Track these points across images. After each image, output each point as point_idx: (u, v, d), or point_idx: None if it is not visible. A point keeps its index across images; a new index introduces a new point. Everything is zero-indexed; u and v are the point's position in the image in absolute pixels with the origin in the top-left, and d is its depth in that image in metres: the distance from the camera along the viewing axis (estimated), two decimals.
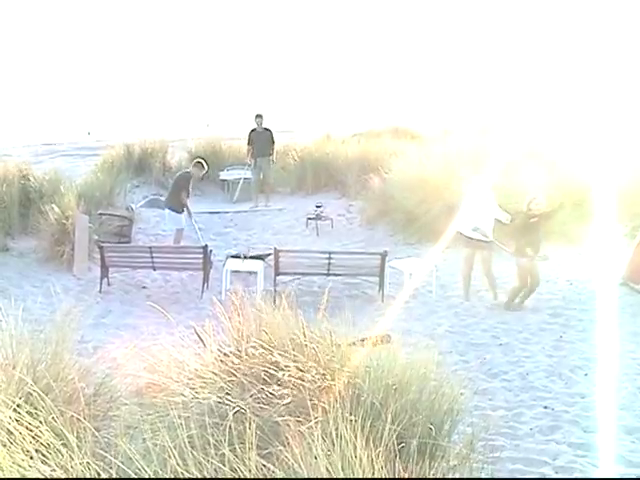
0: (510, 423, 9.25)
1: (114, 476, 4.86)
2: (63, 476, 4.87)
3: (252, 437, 4.98)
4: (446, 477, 5.90)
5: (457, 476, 6.15)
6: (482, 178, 15.12)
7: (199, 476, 4.74)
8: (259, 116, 24.19)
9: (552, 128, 25.73)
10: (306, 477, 4.87)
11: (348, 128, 33.51)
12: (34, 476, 4.88)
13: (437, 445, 6.28)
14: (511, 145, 18.59)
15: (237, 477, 4.76)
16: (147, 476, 4.80)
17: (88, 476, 4.83)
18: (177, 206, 18.79)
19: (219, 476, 4.78)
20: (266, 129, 24.15)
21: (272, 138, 24.15)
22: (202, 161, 19.71)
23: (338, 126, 33.51)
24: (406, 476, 5.07)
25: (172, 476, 4.79)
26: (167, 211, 19.15)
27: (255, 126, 24.22)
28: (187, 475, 4.74)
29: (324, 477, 4.84)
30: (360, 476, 4.83)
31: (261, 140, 23.94)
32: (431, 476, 5.45)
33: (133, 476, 4.82)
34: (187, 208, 18.85)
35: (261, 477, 4.84)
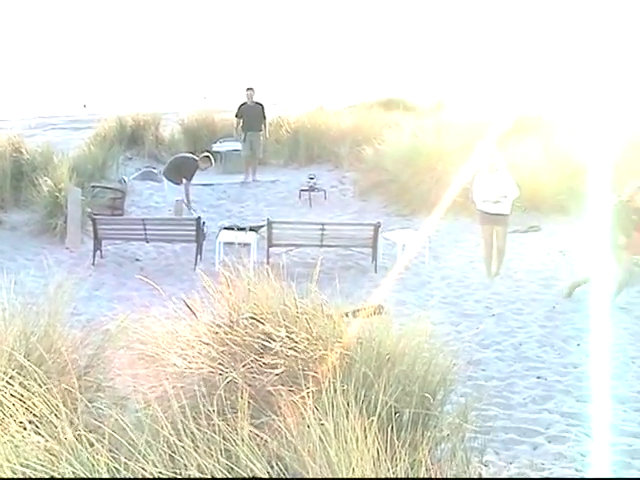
0: (503, 393, 9.29)
1: (107, 445, 4.86)
2: (57, 447, 4.87)
3: (244, 406, 4.98)
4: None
5: (450, 446, 6.17)
6: (495, 150, 15.05)
7: (192, 446, 4.75)
8: (250, 89, 23.67)
9: (546, 101, 25.74)
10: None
11: (341, 100, 33.42)
12: (28, 447, 4.89)
13: (430, 415, 6.30)
14: (504, 118, 18.57)
15: (243, 477, 4.78)
16: (141, 446, 4.81)
17: (80, 446, 4.84)
18: (177, 178, 18.83)
19: (211, 446, 4.79)
20: (257, 103, 23.62)
21: (263, 113, 23.76)
22: (209, 156, 20.02)
23: (331, 97, 33.43)
24: (400, 445, 5.08)
25: (165, 446, 4.80)
26: (166, 182, 19.19)
27: (245, 99, 23.67)
28: (180, 444, 4.75)
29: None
30: (353, 445, 4.84)
31: (252, 114, 23.42)
32: (424, 446, 5.46)
33: (126, 445, 4.83)
34: (187, 196, 19.21)
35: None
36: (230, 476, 4.72)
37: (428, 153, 20.81)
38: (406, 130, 23.58)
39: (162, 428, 4.91)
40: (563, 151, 19.26)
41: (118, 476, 4.69)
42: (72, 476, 4.70)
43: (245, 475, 4.73)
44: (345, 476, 4.80)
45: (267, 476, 4.81)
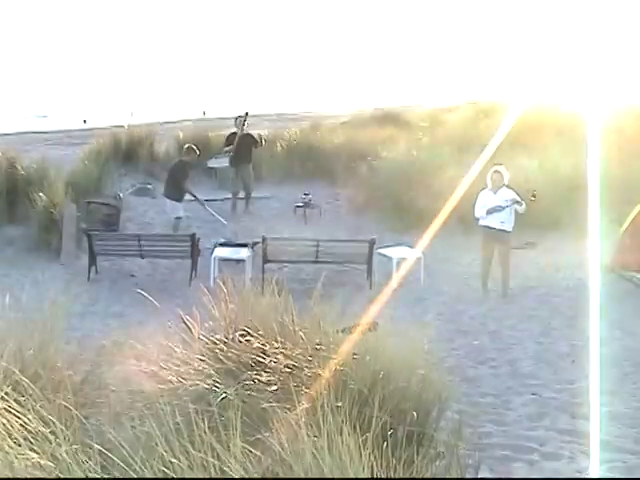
0: (498, 410, 9.28)
1: (100, 463, 4.85)
2: (51, 464, 4.86)
3: (237, 423, 4.97)
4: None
5: (444, 463, 6.16)
6: (500, 167, 15.08)
7: (186, 464, 4.74)
8: (241, 117, 22.30)
9: (541, 115, 25.81)
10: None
11: (337, 113, 33.54)
12: (23, 464, 4.88)
13: (425, 432, 6.30)
14: (499, 132, 18.60)
15: (242, 477, 4.77)
16: (136, 464, 4.80)
17: (75, 464, 4.83)
18: (175, 195, 18.84)
19: (205, 464, 4.78)
20: (248, 134, 22.41)
21: (254, 145, 22.57)
22: (192, 146, 19.81)
23: (328, 110, 33.57)
24: (394, 463, 5.07)
25: (160, 464, 4.79)
26: (167, 201, 19.20)
27: (235, 129, 22.48)
28: (175, 461, 4.74)
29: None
30: (347, 462, 4.84)
31: (242, 146, 22.08)
32: (419, 463, 5.46)
33: (120, 463, 4.82)
34: (193, 195, 19.33)
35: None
36: None
37: (423, 169, 20.87)
38: (400, 146, 23.66)
39: (156, 445, 4.90)
40: (559, 166, 19.32)
41: None
42: None
43: None
44: None
45: None
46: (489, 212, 14.70)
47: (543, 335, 12.44)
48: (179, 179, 19.04)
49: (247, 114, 22.23)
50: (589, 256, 11.76)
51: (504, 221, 14.70)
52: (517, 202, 14.61)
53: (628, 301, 14.08)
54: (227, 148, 22.38)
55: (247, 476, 4.71)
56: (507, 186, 14.93)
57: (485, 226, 14.87)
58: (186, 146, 20.08)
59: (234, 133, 22.44)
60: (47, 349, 6.97)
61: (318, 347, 6.65)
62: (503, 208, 14.63)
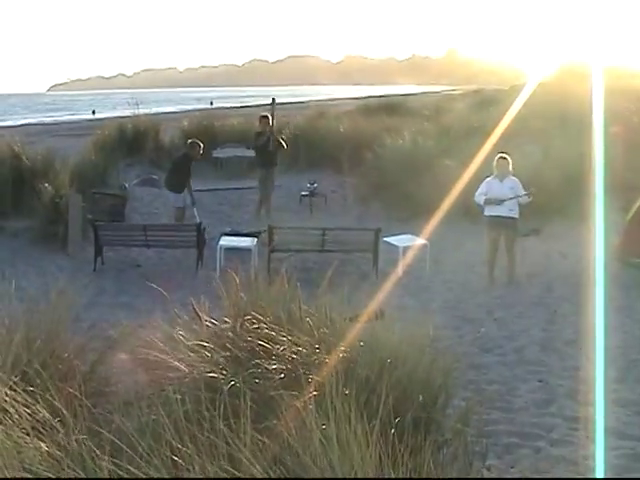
0: (505, 397, 9.28)
1: (109, 452, 4.87)
2: (60, 453, 4.88)
3: (247, 410, 4.99)
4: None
5: (452, 450, 6.18)
6: (506, 155, 15.09)
7: (194, 451, 4.76)
8: (266, 117, 20.97)
9: (548, 102, 25.79)
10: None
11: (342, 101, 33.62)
12: (32, 453, 4.90)
13: (432, 419, 6.31)
14: (505, 120, 18.58)
15: (245, 477, 4.79)
16: (142, 451, 4.82)
17: (85, 452, 4.85)
18: (176, 186, 18.81)
19: (213, 450, 4.80)
20: (277, 139, 21.06)
21: (281, 146, 21.29)
22: (196, 141, 19.63)
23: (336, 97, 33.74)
24: (401, 450, 5.08)
25: (168, 451, 4.81)
26: (168, 192, 19.21)
27: (260, 129, 21.02)
28: (183, 449, 4.76)
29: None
30: (354, 449, 4.85)
31: (272, 148, 20.71)
32: (426, 450, 5.46)
33: (128, 451, 4.83)
34: (189, 187, 19.00)
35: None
36: None
37: (428, 157, 20.88)
38: (406, 134, 23.65)
39: (165, 432, 4.92)
40: (564, 153, 19.30)
41: None
42: None
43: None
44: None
45: None
46: (493, 202, 14.70)
47: (549, 322, 12.44)
48: (180, 172, 18.98)
49: (274, 100, 21.99)
50: (595, 244, 11.78)
51: (511, 209, 14.71)
52: (520, 196, 14.65)
53: (635, 288, 14.06)
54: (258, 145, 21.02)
55: (256, 463, 4.73)
56: (513, 175, 14.95)
57: (491, 215, 14.86)
58: (189, 141, 20.00)
59: (260, 133, 20.96)
60: (55, 339, 6.99)
61: (325, 335, 6.67)
62: (503, 201, 14.64)
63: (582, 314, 12.02)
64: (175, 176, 19.08)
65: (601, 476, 6.50)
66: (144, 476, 4.70)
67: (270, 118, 20.76)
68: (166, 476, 4.72)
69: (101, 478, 4.74)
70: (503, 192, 14.71)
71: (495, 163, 14.98)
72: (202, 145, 19.57)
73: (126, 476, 4.69)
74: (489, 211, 14.88)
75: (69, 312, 7.58)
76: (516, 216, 14.83)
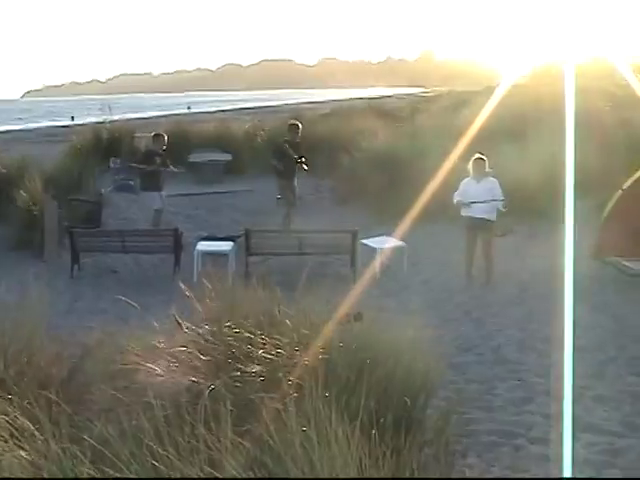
0: (484, 396, 9.32)
1: (89, 458, 4.86)
2: (40, 460, 4.86)
3: (227, 414, 4.98)
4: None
5: (433, 452, 6.19)
6: (483, 156, 15.11)
7: (175, 455, 4.75)
8: (295, 125, 20.03)
9: (522, 102, 25.88)
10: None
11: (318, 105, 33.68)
12: (11, 460, 4.87)
13: (412, 419, 6.32)
14: (479, 121, 18.63)
15: (244, 477, 4.78)
16: (124, 456, 4.80)
17: (65, 459, 4.83)
18: (148, 185, 18.75)
19: (194, 455, 4.79)
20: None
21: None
22: (159, 133, 19.64)
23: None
24: (382, 451, 5.09)
25: (149, 457, 4.80)
26: (144, 193, 19.07)
27: (290, 137, 19.75)
28: (163, 453, 4.75)
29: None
30: (336, 451, 4.85)
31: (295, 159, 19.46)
32: (407, 450, 5.47)
33: (109, 455, 4.82)
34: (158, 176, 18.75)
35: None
36: None
37: (404, 159, 20.91)
38: (382, 136, 23.70)
39: (145, 438, 4.91)
40: (539, 153, 19.36)
41: None
42: None
43: None
44: None
45: None
46: (469, 204, 14.75)
47: (527, 321, 12.48)
48: (150, 171, 18.65)
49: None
50: (568, 242, 11.84)
51: (487, 210, 14.75)
52: (494, 200, 14.68)
53: (611, 286, 14.17)
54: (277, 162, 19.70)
55: (237, 466, 4.73)
56: (492, 175, 14.99)
57: (468, 216, 14.91)
58: (153, 134, 19.90)
59: (287, 141, 19.68)
60: (32, 346, 6.97)
61: (304, 337, 6.67)
62: (485, 202, 14.68)
63: (558, 312, 12.07)
64: (146, 176, 18.92)
65: (569, 474, 6.53)
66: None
67: (300, 127, 19.90)
68: None
69: (100, 478, 4.73)
70: (479, 193, 14.75)
71: (471, 164, 15.02)
72: (166, 137, 19.38)
73: None
74: (465, 212, 14.93)
75: (46, 319, 7.56)
76: (491, 218, 14.86)
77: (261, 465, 4.96)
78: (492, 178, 14.91)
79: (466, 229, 15.12)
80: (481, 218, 14.76)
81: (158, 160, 18.67)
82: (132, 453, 4.82)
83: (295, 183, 19.89)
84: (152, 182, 18.63)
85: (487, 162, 15.01)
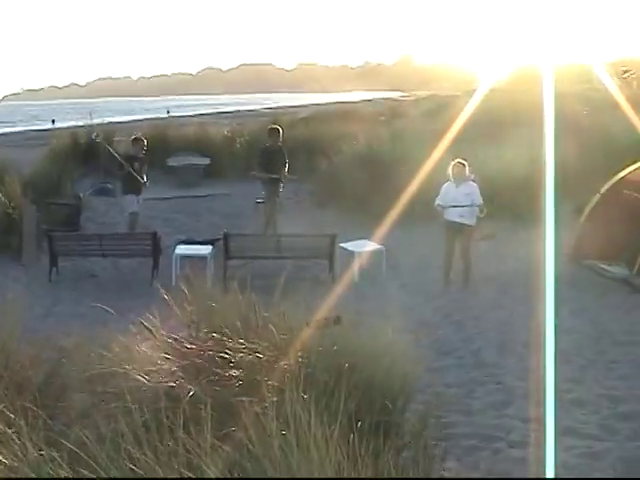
0: (463, 400, 9.33)
1: (67, 462, 4.83)
2: (17, 464, 4.83)
3: (207, 418, 4.97)
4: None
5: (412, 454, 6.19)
6: (463, 160, 15.13)
7: (154, 459, 4.73)
8: (275, 129, 19.62)
9: (501, 106, 25.98)
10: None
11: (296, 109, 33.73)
12: None
13: (391, 422, 6.32)
14: (458, 125, 18.67)
15: (243, 477, 4.78)
16: (101, 460, 4.78)
17: (43, 463, 4.80)
18: (126, 187, 18.63)
19: (173, 459, 4.77)
20: (281, 149, 19.42)
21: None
22: (137, 136, 19.59)
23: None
24: (361, 454, 5.08)
25: (127, 461, 4.78)
26: (125, 198, 18.79)
27: (270, 142, 19.41)
28: (142, 458, 4.72)
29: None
30: (315, 454, 4.84)
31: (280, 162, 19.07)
32: (386, 454, 5.47)
33: (87, 459, 4.79)
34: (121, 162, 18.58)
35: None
36: None
37: (383, 162, 20.94)
38: (361, 140, 23.73)
39: (123, 441, 4.89)
40: (518, 157, 19.44)
41: None
42: None
43: None
44: None
45: None
46: (448, 208, 14.80)
47: (506, 325, 12.51)
48: (129, 175, 18.38)
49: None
50: (550, 246, 11.88)
51: (464, 215, 14.78)
52: (472, 205, 14.70)
53: (590, 290, 14.22)
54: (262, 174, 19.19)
55: (216, 470, 4.71)
56: (472, 180, 15.00)
57: (446, 220, 14.96)
58: (132, 137, 19.84)
59: (269, 147, 19.42)
60: (8, 350, 6.93)
61: (283, 341, 6.66)
62: (463, 206, 14.72)
63: (537, 316, 12.11)
64: (125, 180, 18.68)
65: (551, 476, 6.54)
66: None
67: (281, 131, 19.57)
68: None
69: (99, 477, 4.71)
70: (458, 198, 14.78)
71: (451, 168, 15.04)
72: (145, 140, 19.25)
73: None
74: (445, 215, 14.97)
75: (23, 323, 7.52)
76: (469, 222, 14.87)
77: (240, 469, 4.94)
78: (472, 182, 14.93)
79: (445, 233, 15.17)
80: (459, 222, 14.80)
81: (137, 164, 18.44)
82: (110, 457, 4.79)
83: (280, 189, 19.48)
84: (131, 185, 18.45)
85: (467, 167, 15.01)
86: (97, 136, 23.50)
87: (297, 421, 5.05)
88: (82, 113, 28.45)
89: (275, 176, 18.86)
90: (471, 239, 15.13)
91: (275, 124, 20.59)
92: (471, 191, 14.78)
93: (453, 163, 15.08)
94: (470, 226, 14.90)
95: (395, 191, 16.41)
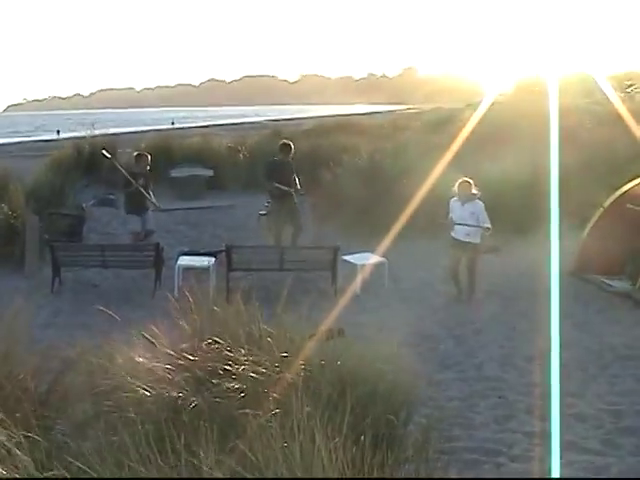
0: (465, 413, 9.32)
1: (63, 475, 4.81)
2: (17, 475, 4.82)
3: (212, 431, 4.96)
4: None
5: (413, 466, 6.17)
6: (469, 179, 15.04)
7: (155, 471, 4.72)
8: (287, 144, 19.31)
9: (503, 119, 25.99)
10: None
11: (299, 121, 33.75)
12: None
13: (394, 435, 6.30)
14: (461, 138, 18.66)
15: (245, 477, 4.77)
16: (103, 473, 4.77)
17: (40, 475, 4.79)
18: (128, 206, 18.28)
19: (175, 470, 4.76)
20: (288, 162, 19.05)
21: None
22: (142, 153, 19.05)
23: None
24: (364, 467, 5.07)
25: (128, 473, 4.76)
26: (130, 217, 18.46)
27: (281, 157, 19.07)
28: (143, 471, 4.71)
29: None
30: (319, 467, 4.83)
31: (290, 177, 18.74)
32: (389, 467, 5.45)
33: (87, 470, 4.78)
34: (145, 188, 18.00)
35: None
36: None
37: (386, 175, 20.94)
38: (363, 153, 23.74)
39: (124, 455, 4.87)
40: (521, 170, 19.43)
41: None
42: None
43: None
44: None
45: None
46: (455, 224, 14.74)
47: (508, 339, 12.49)
48: (133, 193, 17.89)
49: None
50: (552, 260, 11.86)
51: (470, 234, 14.69)
52: (476, 226, 14.60)
53: (592, 304, 14.21)
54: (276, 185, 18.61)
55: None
56: (478, 198, 14.84)
57: (453, 237, 14.88)
58: (135, 154, 19.32)
59: (274, 162, 19.25)
60: (11, 360, 6.91)
61: (285, 353, 6.65)
62: (460, 225, 14.65)
63: (540, 330, 12.08)
64: (128, 198, 18.22)
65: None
66: None
67: (292, 147, 19.25)
68: None
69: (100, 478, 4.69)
70: (463, 216, 14.69)
71: (457, 187, 14.91)
72: (149, 156, 18.73)
73: None
74: (452, 233, 14.89)
75: (25, 333, 7.51)
76: (475, 241, 14.77)
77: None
78: (478, 201, 14.76)
79: (450, 249, 15.09)
80: (463, 241, 14.72)
81: (142, 181, 17.91)
82: (110, 469, 4.78)
83: (293, 203, 18.93)
84: (135, 204, 18.00)
85: (473, 185, 14.86)
86: (107, 152, 23.21)
87: (301, 434, 5.04)
88: (85, 124, 28.34)
89: (287, 189, 18.59)
90: (478, 254, 15.03)
91: (286, 139, 20.24)
92: (476, 210, 14.64)
93: (459, 181, 14.94)
94: (475, 244, 14.81)
95: (398, 204, 16.39)
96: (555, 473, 6.72)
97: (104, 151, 20.87)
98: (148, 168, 18.51)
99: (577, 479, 7.24)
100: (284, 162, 18.92)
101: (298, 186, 18.88)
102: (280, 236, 18.75)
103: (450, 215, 14.94)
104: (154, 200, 18.59)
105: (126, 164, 23.86)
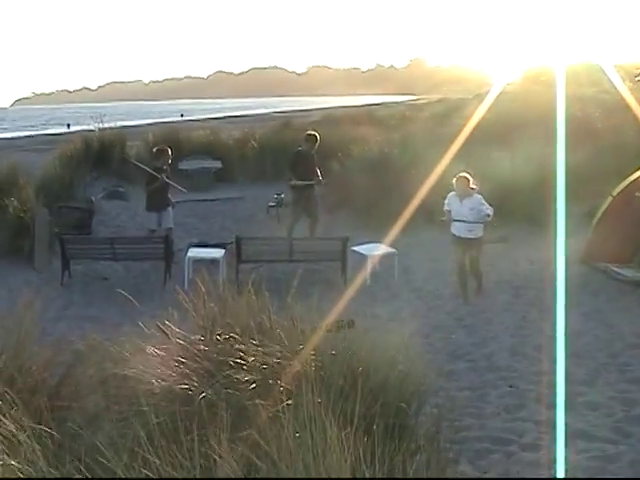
0: (476, 403, 9.31)
1: (77, 467, 4.83)
2: (29, 468, 4.83)
3: (225, 421, 4.97)
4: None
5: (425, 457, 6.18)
6: (468, 175, 14.89)
7: (168, 462, 4.73)
8: (312, 135, 19.34)
9: (512, 109, 25.96)
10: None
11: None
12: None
13: (405, 426, 6.31)
14: (469, 128, 18.63)
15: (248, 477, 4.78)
16: (116, 464, 4.78)
17: (53, 467, 4.81)
18: (149, 203, 17.90)
19: (189, 461, 4.77)
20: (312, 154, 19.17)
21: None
22: (163, 147, 18.70)
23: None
24: (378, 455, 5.08)
25: (141, 464, 4.77)
26: (149, 215, 18.05)
27: (305, 147, 19.20)
28: (156, 462, 4.72)
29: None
30: (331, 457, 4.84)
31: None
32: (400, 457, 5.46)
33: (102, 460, 4.80)
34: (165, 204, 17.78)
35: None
36: None
37: (394, 166, 20.93)
38: (372, 144, 23.73)
39: (137, 445, 4.89)
40: (530, 160, 19.40)
41: None
42: None
43: None
44: None
45: None
46: (454, 221, 14.49)
47: (518, 328, 12.48)
48: (154, 189, 17.64)
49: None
50: (562, 249, 11.86)
51: (472, 230, 14.42)
52: (477, 222, 14.35)
53: (602, 293, 14.18)
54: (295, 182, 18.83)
55: (231, 472, 4.71)
56: (477, 192, 14.58)
57: (454, 234, 14.60)
58: (155, 149, 19.00)
59: (299, 152, 19.27)
60: (22, 353, 6.94)
61: (296, 344, 6.66)
62: (460, 221, 14.41)
63: (550, 319, 12.07)
64: (152, 194, 17.78)
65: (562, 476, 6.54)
66: None
67: (318, 138, 19.18)
68: None
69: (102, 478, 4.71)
70: (462, 212, 14.37)
71: (455, 182, 14.59)
72: (170, 150, 18.46)
73: None
74: (452, 229, 14.62)
75: (36, 326, 7.53)
76: (476, 236, 14.47)
77: (256, 471, 4.94)
78: (477, 195, 14.45)
79: (453, 246, 14.79)
80: (465, 237, 14.45)
81: (164, 176, 17.68)
82: (123, 460, 4.79)
83: (313, 195, 19.09)
84: (155, 201, 17.71)
85: (470, 180, 14.56)
86: (132, 158, 22.91)
87: (312, 424, 5.05)
88: (94, 117, 28.31)
89: (309, 182, 18.74)
90: (480, 251, 14.82)
91: (312, 131, 20.03)
92: (475, 205, 14.32)
93: (457, 177, 14.61)
94: (477, 239, 14.54)
95: (406, 195, 16.38)
96: (560, 461, 6.72)
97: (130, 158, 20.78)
98: (170, 162, 18.37)
99: (577, 479, 7.22)
100: (309, 153, 19.02)
101: (320, 177, 19.00)
102: (293, 227, 18.81)
103: (448, 210, 14.71)
104: (180, 187, 18.78)
105: (135, 156, 23.95)
